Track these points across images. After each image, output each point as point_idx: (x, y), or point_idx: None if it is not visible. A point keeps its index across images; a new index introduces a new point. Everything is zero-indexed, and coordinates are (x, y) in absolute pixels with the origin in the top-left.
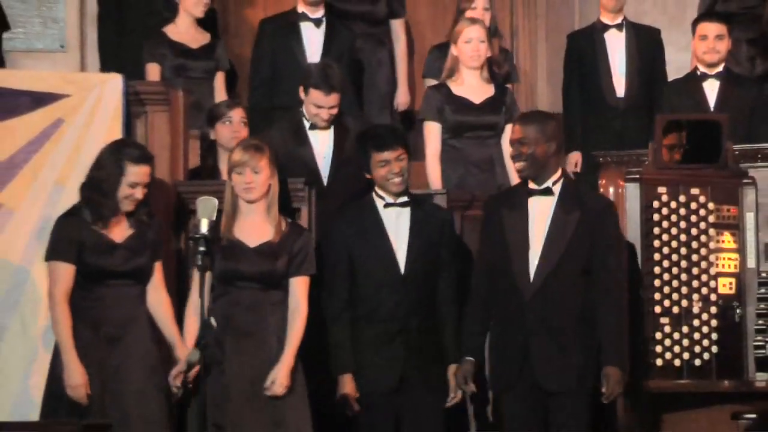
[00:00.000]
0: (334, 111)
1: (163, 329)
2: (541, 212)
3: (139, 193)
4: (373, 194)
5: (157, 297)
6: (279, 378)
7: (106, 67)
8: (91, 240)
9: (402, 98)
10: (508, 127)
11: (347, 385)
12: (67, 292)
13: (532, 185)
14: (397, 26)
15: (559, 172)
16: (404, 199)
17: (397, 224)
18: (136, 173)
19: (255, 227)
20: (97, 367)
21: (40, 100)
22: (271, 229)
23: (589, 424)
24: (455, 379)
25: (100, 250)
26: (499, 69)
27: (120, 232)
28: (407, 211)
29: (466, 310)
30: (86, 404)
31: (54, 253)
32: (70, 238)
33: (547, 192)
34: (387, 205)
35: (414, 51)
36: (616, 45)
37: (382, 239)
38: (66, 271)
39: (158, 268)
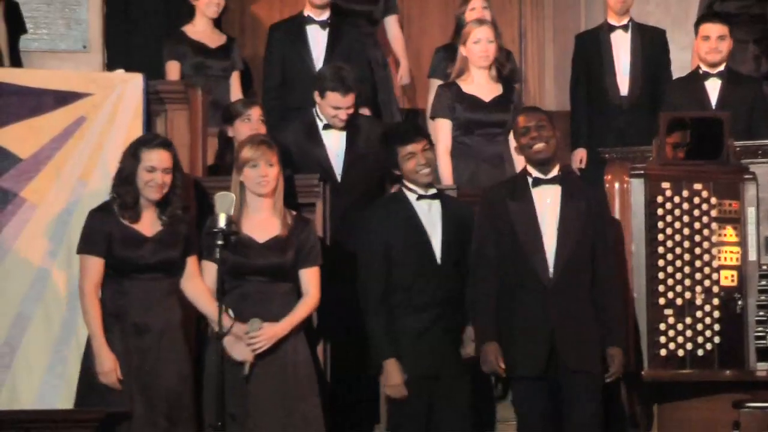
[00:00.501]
0: (351, 111)
1: (203, 309)
2: (548, 202)
3: (158, 178)
4: (403, 189)
5: (194, 284)
6: (263, 333)
7: (114, 65)
8: (121, 233)
9: (403, 72)
10: None
11: (394, 369)
12: (97, 285)
13: (537, 174)
14: (392, 21)
15: (559, 164)
16: (434, 191)
17: (430, 216)
18: (151, 158)
19: (263, 222)
20: (124, 359)
21: (63, 98)
22: (278, 223)
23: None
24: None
25: (129, 243)
26: (502, 68)
27: (150, 225)
28: (437, 203)
29: (481, 300)
30: (119, 390)
31: (84, 246)
32: (100, 231)
33: (554, 181)
34: (420, 198)
35: (421, 52)
36: (621, 45)
37: (419, 230)
38: (95, 264)
39: (192, 261)
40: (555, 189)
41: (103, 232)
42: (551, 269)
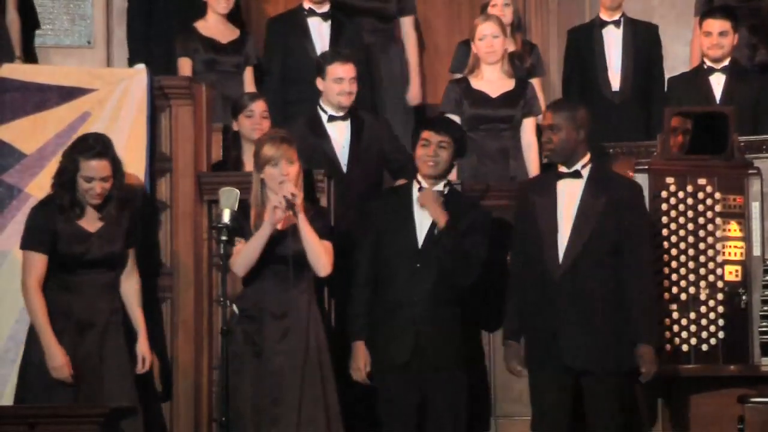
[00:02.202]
0: (355, 86)
1: (130, 315)
2: (569, 195)
3: (98, 188)
4: (414, 180)
5: (128, 284)
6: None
7: (135, 61)
8: (65, 229)
9: (414, 93)
10: (526, 121)
11: (360, 352)
12: (40, 280)
13: (561, 168)
14: (408, 23)
15: (587, 157)
16: (440, 188)
17: (426, 211)
18: (89, 168)
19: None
20: (70, 355)
21: (68, 94)
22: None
23: (624, 406)
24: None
25: (74, 239)
26: (522, 63)
27: (92, 221)
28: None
29: (508, 297)
30: (66, 384)
31: (28, 242)
32: (43, 227)
33: (576, 175)
34: (420, 190)
35: (426, 47)
36: (613, 41)
37: (409, 224)
38: (40, 260)
39: (131, 254)
40: (577, 183)
41: (48, 228)
42: (560, 264)
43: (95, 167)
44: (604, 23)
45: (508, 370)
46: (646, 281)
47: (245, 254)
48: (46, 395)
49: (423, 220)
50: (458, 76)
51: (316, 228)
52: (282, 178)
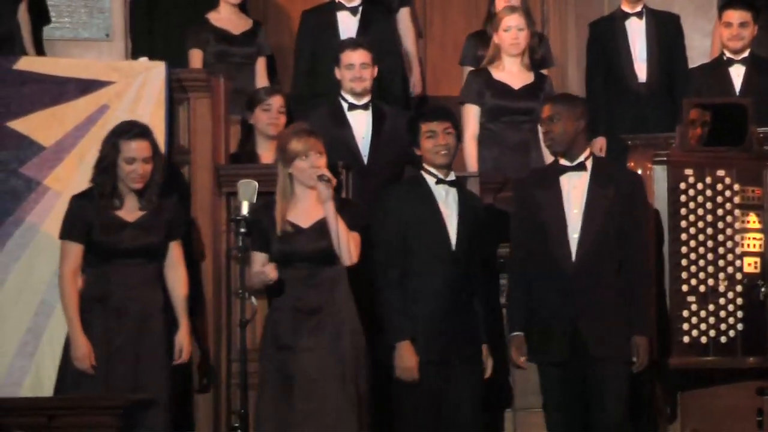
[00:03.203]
0: (368, 72)
1: (176, 302)
2: (574, 188)
3: (140, 169)
4: (423, 172)
5: (172, 275)
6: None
7: (138, 53)
8: (101, 219)
9: (416, 82)
10: None
11: (408, 351)
12: (75, 270)
13: (564, 162)
14: (406, 15)
15: (588, 150)
16: (453, 177)
17: (447, 201)
18: (129, 148)
19: (309, 209)
20: (104, 344)
21: (86, 87)
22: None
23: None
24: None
25: (109, 228)
26: (533, 54)
27: (132, 211)
28: (455, 190)
29: (511, 290)
30: (91, 375)
31: (65, 232)
32: (80, 218)
33: (580, 168)
34: (438, 182)
35: (442, 40)
36: (636, 32)
37: (436, 214)
38: (75, 250)
39: (175, 246)
40: (582, 176)
41: (83, 218)
42: (574, 256)
43: (136, 148)
44: (627, 15)
45: (513, 363)
46: (643, 272)
47: (256, 282)
48: (76, 383)
49: (449, 216)
50: (470, 68)
51: (346, 219)
52: (314, 170)
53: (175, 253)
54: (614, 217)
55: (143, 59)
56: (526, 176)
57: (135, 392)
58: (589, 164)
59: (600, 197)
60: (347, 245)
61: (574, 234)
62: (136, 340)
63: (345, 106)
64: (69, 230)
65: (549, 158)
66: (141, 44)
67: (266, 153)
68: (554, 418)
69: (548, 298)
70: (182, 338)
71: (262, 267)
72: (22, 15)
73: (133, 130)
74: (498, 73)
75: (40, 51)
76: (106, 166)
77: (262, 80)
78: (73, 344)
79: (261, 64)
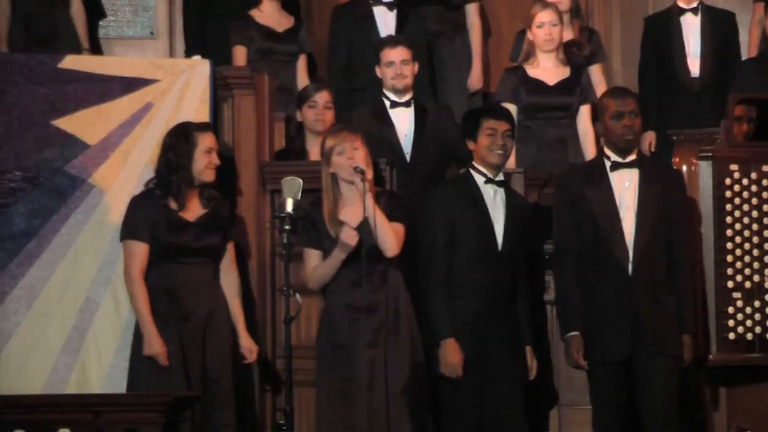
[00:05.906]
0: (408, 69)
1: (230, 308)
2: (626, 185)
3: (215, 159)
4: (471, 170)
5: (226, 277)
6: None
7: (192, 51)
8: (164, 218)
9: (475, 80)
10: (583, 108)
11: (453, 349)
12: (142, 269)
13: (615, 158)
14: (473, 10)
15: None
16: (501, 177)
17: (495, 201)
18: (207, 139)
19: (356, 207)
20: (175, 342)
21: (130, 85)
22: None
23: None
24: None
25: (172, 228)
26: (581, 50)
27: (193, 211)
28: (502, 190)
29: (565, 289)
30: (167, 372)
31: (128, 232)
32: (143, 217)
33: (633, 164)
34: (487, 181)
35: (490, 35)
36: (691, 28)
37: (483, 213)
38: (140, 249)
39: (230, 248)
40: (633, 173)
41: (146, 217)
42: (631, 254)
43: (212, 138)
44: (683, 11)
45: (572, 364)
46: (687, 270)
47: (323, 273)
48: (151, 380)
49: (497, 217)
50: (515, 64)
51: (388, 211)
52: (350, 163)
53: (230, 254)
54: (664, 215)
55: (196, 57)
56: (569, 172)
57: (205, 389)
58: (638, 161)
59: (650, 195)
60: (386, 236)
61: (630, 232)
62: (202, 339)
63: (387, 104)
64: (133, 230)
65: (587, 153)
66: (193, 43)
67: (315, 149)
68: (602, 417)
69: (607, 297)
70: (246, 341)
71: (344, 235)
72: (77, 10)
73: (203, 123)
74: (533, 70)
75: (95, 47)
76: (178, 162)
77: (303, 78)
78: (147, 342)
79: (302, 62)
